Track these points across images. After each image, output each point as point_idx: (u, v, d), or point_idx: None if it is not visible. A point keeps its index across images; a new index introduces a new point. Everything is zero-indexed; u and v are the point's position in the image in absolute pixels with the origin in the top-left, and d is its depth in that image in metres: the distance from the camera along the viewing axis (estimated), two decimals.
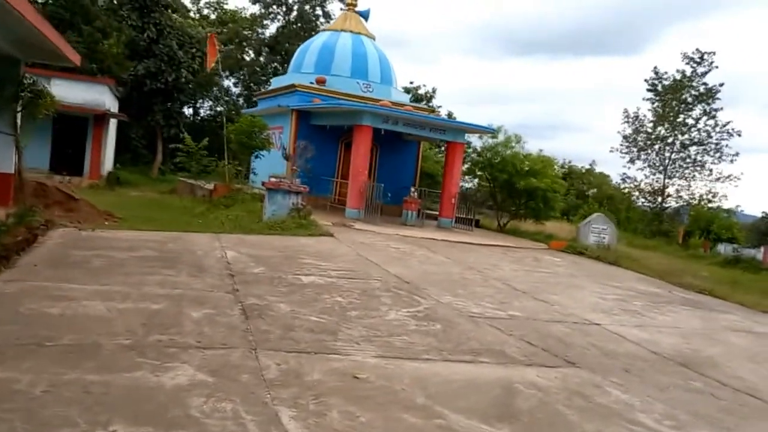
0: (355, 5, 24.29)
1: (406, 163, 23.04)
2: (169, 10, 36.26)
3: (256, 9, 44.60)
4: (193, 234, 12.40)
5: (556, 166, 21.82)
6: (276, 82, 24.42)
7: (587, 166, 52.95)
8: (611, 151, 39.84)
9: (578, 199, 44.12)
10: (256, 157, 21.08)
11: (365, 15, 24.57)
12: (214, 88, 45.61)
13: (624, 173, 39.65)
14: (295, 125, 21.09)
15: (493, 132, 21.13)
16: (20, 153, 11.36)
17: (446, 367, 6.00)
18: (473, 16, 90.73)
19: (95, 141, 26.12)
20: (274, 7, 43.79)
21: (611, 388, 6.01)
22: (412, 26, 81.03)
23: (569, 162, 50.23)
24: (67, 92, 25.52)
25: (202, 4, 48.29)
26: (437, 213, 20.50)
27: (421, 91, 53.99)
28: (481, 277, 11.23)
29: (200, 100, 44.64)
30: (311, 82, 21.57)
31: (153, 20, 34.48)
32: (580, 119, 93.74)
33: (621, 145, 39.02)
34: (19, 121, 11.18)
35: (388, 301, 8.41)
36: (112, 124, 29.86)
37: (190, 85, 36.47)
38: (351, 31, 23.09)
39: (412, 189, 19.14)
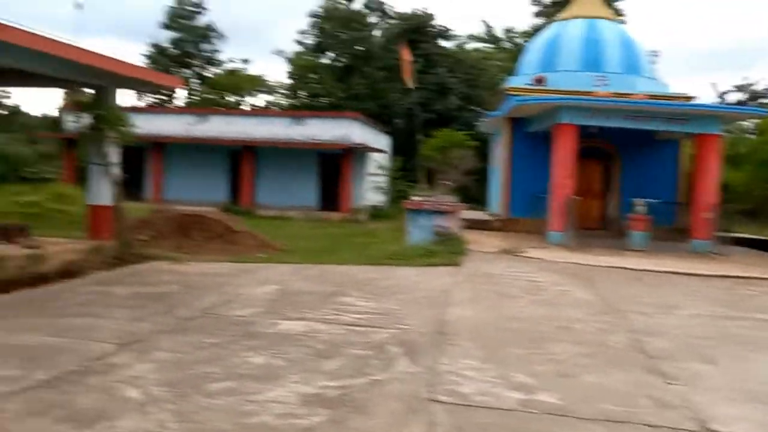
0: None
1: (663, 169, 17.94)
2: (439, 39, 35.90)
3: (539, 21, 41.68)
4: (280, 265, 10.67)
5: None
6: None
7: None
8: None
9: None
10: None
11: None
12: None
13: None
14: (508, 135, 18.03)
15: (764, 115, 14.96)
16: (115, 184, 11.07)
17: None
18: None
19: (345, 175, 26.43)
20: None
21: None
22: None
23: None
24: (319, 130, 26.54)
25: (500, 34, 47.08)
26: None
27: (759, 87, 44.41)
28: (598, 328, 7.08)
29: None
30: (528, 84, 18.26)
31: (422, 51, 34.37)
32: None
33: None
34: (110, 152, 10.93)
35: (335, 364, 5.40)
36: (377, 158, 30.13)
37: (461, 111, 35.23)
38: (584, 17, 19.09)
39: (639, 202, 14.39)
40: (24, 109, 49.26)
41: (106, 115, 10.53)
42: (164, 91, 42.92)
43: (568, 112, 14.43)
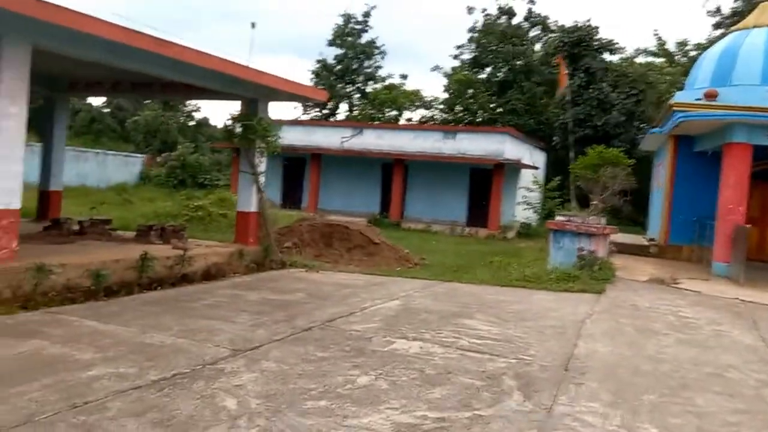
0: None
1: None
2: (603, 53, 34.12)
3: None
4: (411, 280, 10.48)
5: None
6: None
7: None
8: None
9: None
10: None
11: None
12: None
13: None
14: (672, 154, 16.59)
15: None
16: (261, 192, 11.50)
17: None
18: None
19: (494, 191, 25.80)
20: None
21: None
22: None
23: None
24: (470, 145, 26.19)
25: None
26: None
27: None
28: (756, 379, 6.06)
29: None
30: (697, 99, 16.68)
31: (583, 65, 32.88)
32: None
33: None
34: (259, 161, 11.38)
35: (441, 393, 5.07)
36: (529, 174, 29.15)
37: (623, 127, 33.04)
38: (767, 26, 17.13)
39: None
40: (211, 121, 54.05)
41: (255, 126, 10.99)
42: (327, 106, 44.84)
43: (744, 129, 12.92)
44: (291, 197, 28.59)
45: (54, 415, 4.13)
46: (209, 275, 9.71)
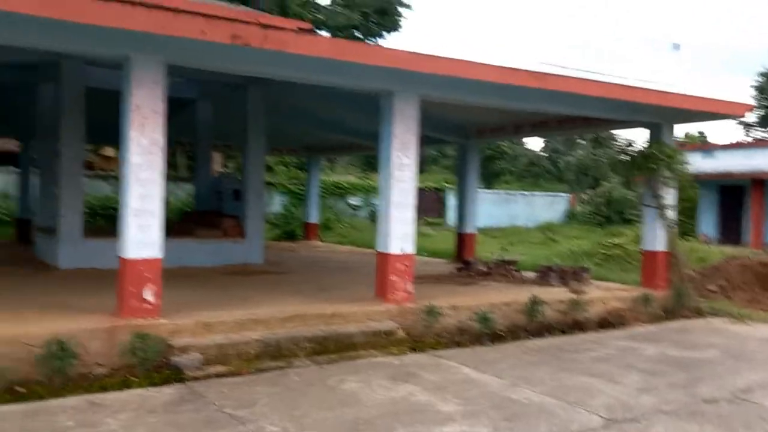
0: None
1: None
2: None
3: None
4: None
5: None
6: None
7: None
8: None
9: None
10: None
11: None
12: None
13: None
14: None
15: None
16: (671, 228, 9.96)
17: None
18: None
19: None
20: None
21: None
22: None
23: None
24: None
25: None
26: None
27: None
28: None
29: None
30: None
31: None
32: None
33: None
34: (664, 192, 9.89)
35: None
36: None
37: None
38: None
39: None
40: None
41: (655, 153, 9.74)
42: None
43: None
44: (729, 231, 25.06)
45: None
46: (606, 322, 8.77)
